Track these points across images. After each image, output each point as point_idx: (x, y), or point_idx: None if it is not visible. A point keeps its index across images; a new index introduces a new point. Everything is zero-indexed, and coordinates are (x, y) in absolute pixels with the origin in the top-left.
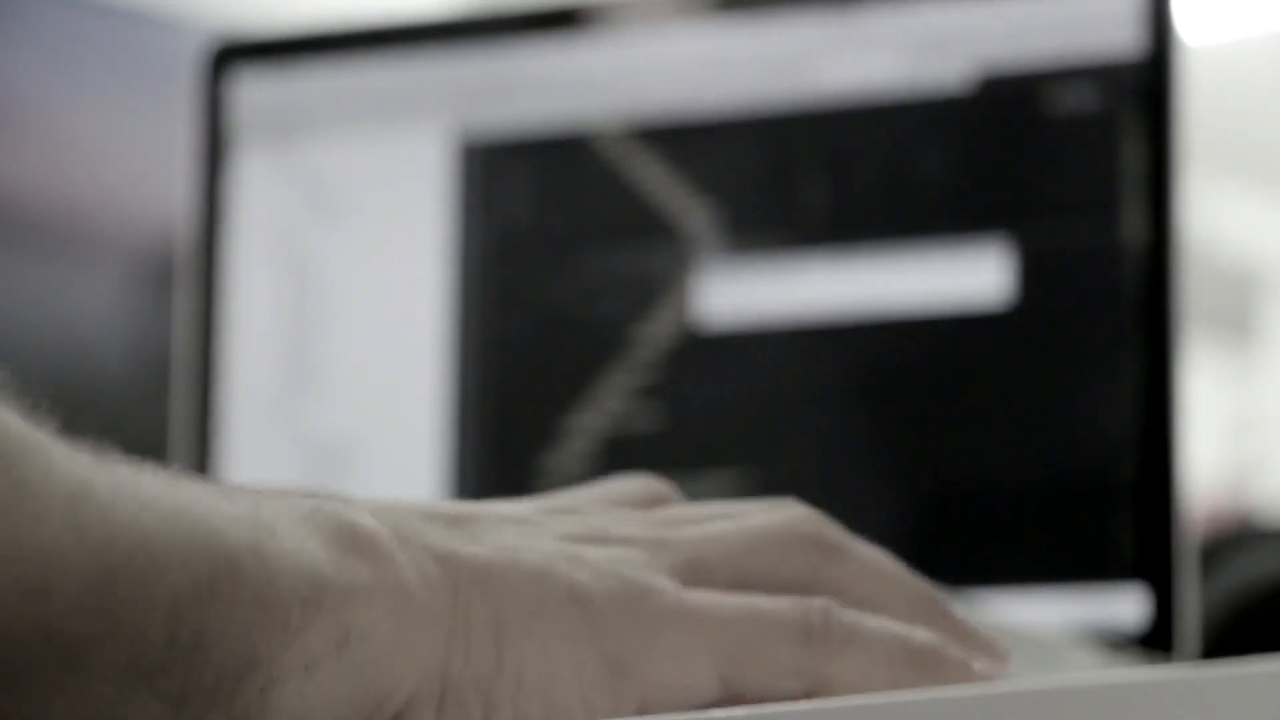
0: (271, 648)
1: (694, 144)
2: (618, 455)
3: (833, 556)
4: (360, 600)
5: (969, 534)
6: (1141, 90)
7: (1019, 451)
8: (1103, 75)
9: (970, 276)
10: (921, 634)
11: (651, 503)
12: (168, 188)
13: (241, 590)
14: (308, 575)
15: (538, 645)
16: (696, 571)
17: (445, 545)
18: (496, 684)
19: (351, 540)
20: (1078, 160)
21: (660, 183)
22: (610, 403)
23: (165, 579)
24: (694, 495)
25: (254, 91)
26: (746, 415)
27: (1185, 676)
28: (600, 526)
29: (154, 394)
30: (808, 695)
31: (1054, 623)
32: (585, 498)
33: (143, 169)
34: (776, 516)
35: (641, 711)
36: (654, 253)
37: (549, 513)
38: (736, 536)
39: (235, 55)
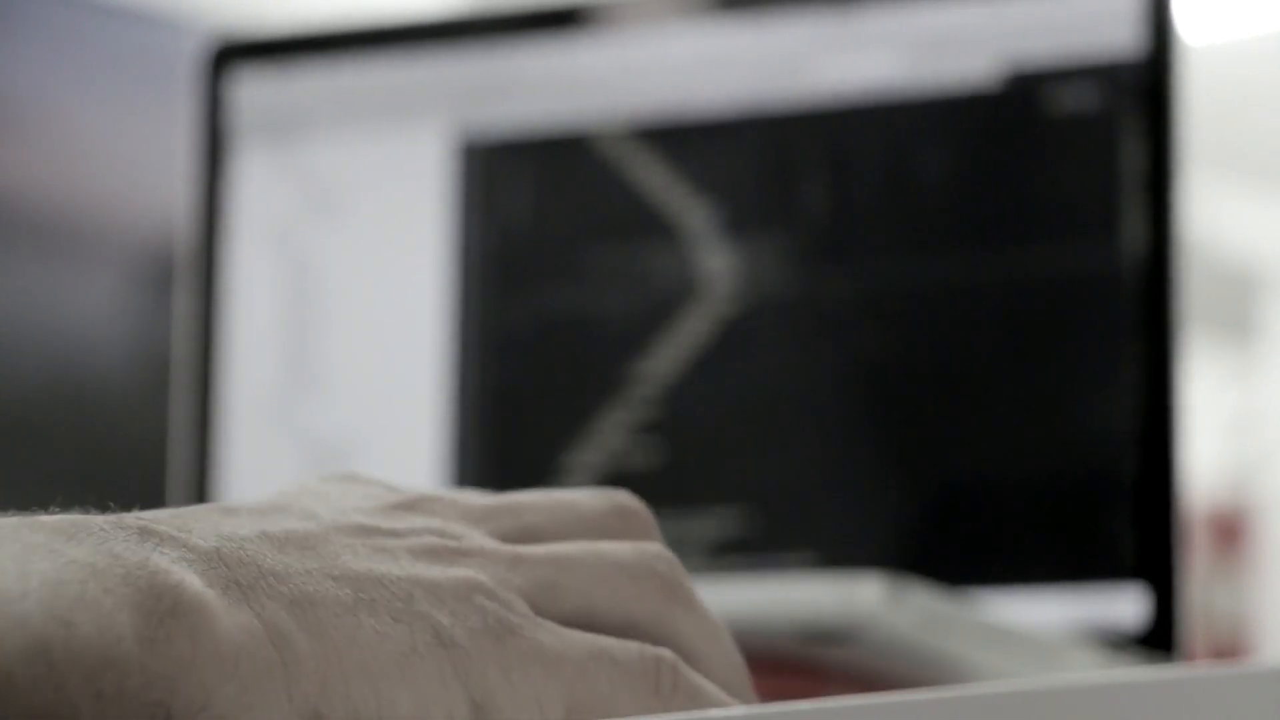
0: None
1: (694, 144)
2: (619, 460)
3: (680, 605)
4: (179, 675)
5: (970, 534)
6: (1141, 90)
7: (1020, 451)
8: (1102, 75)
9: (970, 278)
10: (739, 712)
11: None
12: (168, 188)
13: (15, 710)
14: (104, 664)
15: (410, 690)
16: (547, 593)
17: (300, 591)
18: None
19: (171, 608)
20: (1077, 160)
21: (660, 183)
22: (611, 402)
23: None
24: (701, 498)
25: (253, 91)
26: (746, 416)
27: (1185, 676)
28: (453, 538)
29: (154, 394)
30: None
31: (1054, 623)
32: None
33: (143, 169)
34: (633, 551)
35: None
36: (653, 252)
37: (395, 512)
38: (592, 565)
39: (235, 55)
